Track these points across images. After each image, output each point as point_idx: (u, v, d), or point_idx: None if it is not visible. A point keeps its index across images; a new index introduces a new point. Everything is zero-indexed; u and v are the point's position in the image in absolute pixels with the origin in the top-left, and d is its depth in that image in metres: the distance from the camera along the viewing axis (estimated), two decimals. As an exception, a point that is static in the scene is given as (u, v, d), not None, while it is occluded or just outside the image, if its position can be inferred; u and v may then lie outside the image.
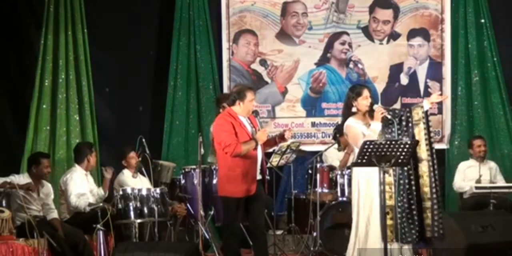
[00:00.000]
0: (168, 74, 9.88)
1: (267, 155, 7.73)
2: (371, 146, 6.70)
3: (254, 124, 7.13)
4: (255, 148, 6.98)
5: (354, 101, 7.12)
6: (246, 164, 6.93)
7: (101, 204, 7.88)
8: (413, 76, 10.05)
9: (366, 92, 7.14)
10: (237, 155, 6.93)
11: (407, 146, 6.74)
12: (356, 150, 7.12)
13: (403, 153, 6.75)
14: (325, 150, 8.89)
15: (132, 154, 8.42)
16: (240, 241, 7.29)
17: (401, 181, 7.04)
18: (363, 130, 7.08)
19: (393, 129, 7.09)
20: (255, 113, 7.15)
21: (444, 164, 9.89)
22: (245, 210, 7.09)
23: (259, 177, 7.07)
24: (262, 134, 6.97)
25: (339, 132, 8.73)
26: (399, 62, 10.06)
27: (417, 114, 7.10)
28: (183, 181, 8.43)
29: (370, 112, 7.12)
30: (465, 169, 9.23)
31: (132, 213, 7.77)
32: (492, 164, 9.28)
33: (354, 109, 7.13)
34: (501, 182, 9.12)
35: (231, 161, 6.93)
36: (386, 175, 6.92)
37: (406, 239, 7.02)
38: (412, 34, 10.05)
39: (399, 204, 7.03)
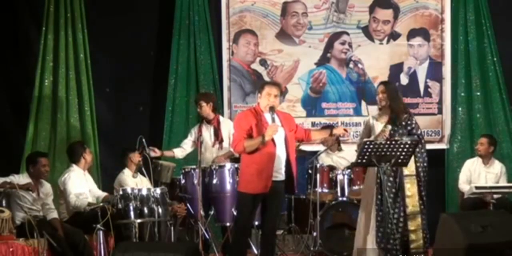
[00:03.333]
0: (168, 74, 9.88)
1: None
2: (371, 146, 6.73)
3: (282, 122, 6.98)
4: (264, 144, 6.81)
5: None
6: (263, 161, 6.84)
7: (101, 204, 7.88)
8: (413, 76, 10.05)
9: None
10: (241, 151, 6.91)
11: (407, 146, 6.76)
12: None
13: (403, 153, 6.78)
14: (325, 150, 8.90)
15: (137, 152, 8.43)
16: (247, 242, 7.30)
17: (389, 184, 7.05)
18: (376, 129, 7.18)
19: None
20: (271, 109, 6.94)
21: (444, 164, 9.90)
22: (261, 209, 7.07)
23: (281, 177, 6.98)
24: (270, 129, 6.80)
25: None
26: (399, 62, 10.06)
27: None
28: (183, 181, 8.43)
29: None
30: (468, 171, 9.18)
31: (132, 213, 7.75)
32: (498, 167, 9.19)
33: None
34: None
35: (249, 157, 6.89)
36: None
37: (379, 243, 7.06)
38: (412, 34, 10.05)
39: (376, 207, 7.10)
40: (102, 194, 8.23)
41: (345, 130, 7.17)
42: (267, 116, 6.93)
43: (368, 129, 7.36)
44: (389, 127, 7.11)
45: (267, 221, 7.04)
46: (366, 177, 7.43)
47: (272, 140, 6.86)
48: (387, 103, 7.22)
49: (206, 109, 8.59)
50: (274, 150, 6.87)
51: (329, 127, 9.16)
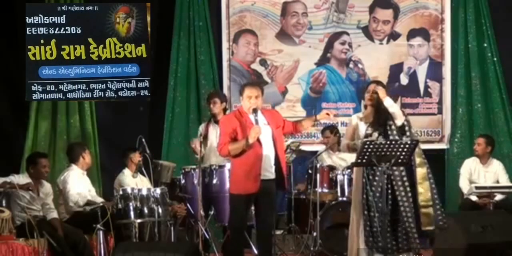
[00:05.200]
0: (168, 74, 9.87)
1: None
2: (371, 146, 6.72)
3: (268, 120, 6.95)
4: (248, 146, 6.78)
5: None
6: (250, 162, 6.82)
7: (101, 204, 7.88)
8: (413, 76, 10.06)
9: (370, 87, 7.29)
10: (226, 155, 6.94)
11: (407, 146, 6.76)
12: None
13: (403, 153, 6.77)
14: (325, 150, 8.90)
15: (137, 152, 8.43)
16: (244, 241, 7.30)
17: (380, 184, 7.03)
18: (361, 129, 7.15)
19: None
20: (254, 111, 6.91)
21: (444, 164, 9.90)
22: (254, 210, 7.07)
23: (271, 176, 6.95)
24: (253, 132, 6.76)
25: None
26: (399, 62, 10.07)
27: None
28: (183, 181, 8.42)
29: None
30: (469, 169, 9.18)
31: (132, 213, 7.75)
32: (496, 166, 9.19)
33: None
34: (504, 182, 9.08)
35: (237, 160, 6.89)
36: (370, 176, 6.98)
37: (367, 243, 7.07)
38: (412, 34, 10.05)
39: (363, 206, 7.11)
40: (100, 200, 8.20)
41: (327, 114, 7.11)
42: (252, 117, 6.92)
43: (352, 129, 7.32)
44: (376, 135, 7.09)
45: (261, 222, 7.01)
46: (354, 178, 7.41)
47: (258, 140, 6.82)
48: (374, 103, 7.20)
49: (219, 107, 8.56)
50: (261, 151, 6.84)
51: (330, 127, 9.23)
